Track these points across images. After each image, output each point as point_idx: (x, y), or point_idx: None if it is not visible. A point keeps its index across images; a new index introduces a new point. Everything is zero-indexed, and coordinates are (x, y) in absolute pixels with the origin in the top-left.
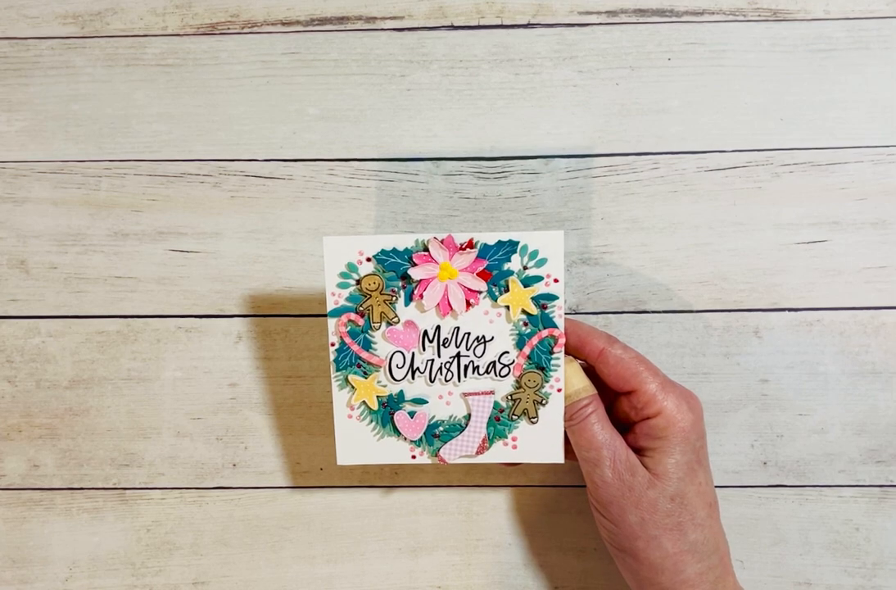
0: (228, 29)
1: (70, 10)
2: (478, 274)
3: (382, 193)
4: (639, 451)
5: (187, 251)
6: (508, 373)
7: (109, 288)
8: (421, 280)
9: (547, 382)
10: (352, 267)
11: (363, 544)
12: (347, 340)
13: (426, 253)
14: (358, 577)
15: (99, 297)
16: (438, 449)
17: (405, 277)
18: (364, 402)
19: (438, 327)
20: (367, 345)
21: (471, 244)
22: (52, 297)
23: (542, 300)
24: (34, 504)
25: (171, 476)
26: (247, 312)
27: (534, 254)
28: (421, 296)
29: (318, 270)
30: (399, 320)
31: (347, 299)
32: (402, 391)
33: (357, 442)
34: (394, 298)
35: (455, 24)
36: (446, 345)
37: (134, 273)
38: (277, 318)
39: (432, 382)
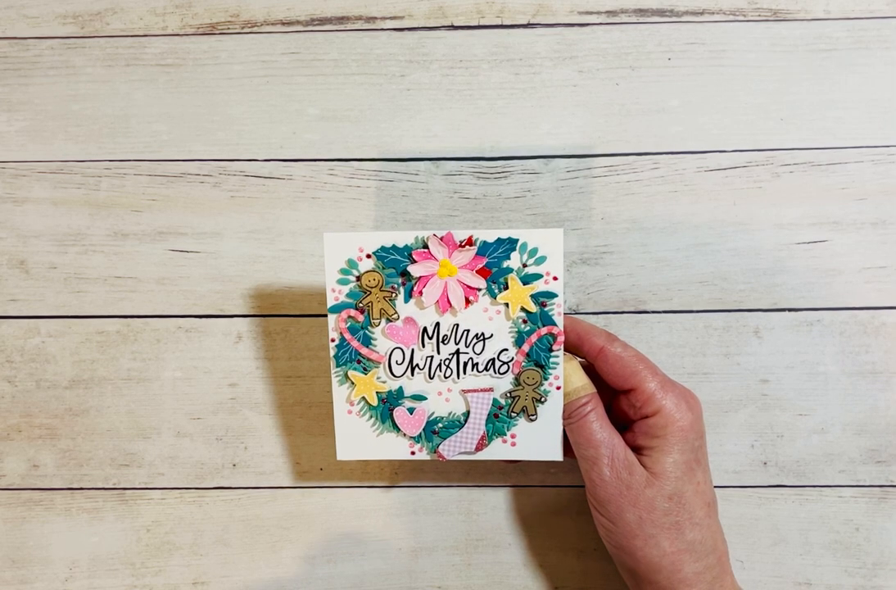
0: (228, 29)
1: (70, 10)
2: (477, 271)
3: (382, 193)
4: (637, 449)
5: (187, 251)
6: (507, 370)
7: (109, 288)
8: (420, 277)
9: (546, 379)
10: (352, 263)
11: (363, 544)
12: (347, 336)
13: (426, 250)
14: (358, 577)
15: (99, 297)
16: (437, 445)
17: (405, 274)
18: (364, 398)
19: (438, 324)
20: (367, 341)
21: (470, 241)
22: (52, 297)
23: (542, 298)
24: (34, 504)
25: (171, 476)
26: (247, 312)
27: (533, 251)
28: (420, 293)
29: (318, 269)
30: (399, 317)
31: (347, 295)
32: (401, 387)
33: (356, 437)
34: (393, 294)
35: (455, 24)
36: (446, 342)
37: (134, 273)
38: (277, 318)
39: (431, 378)
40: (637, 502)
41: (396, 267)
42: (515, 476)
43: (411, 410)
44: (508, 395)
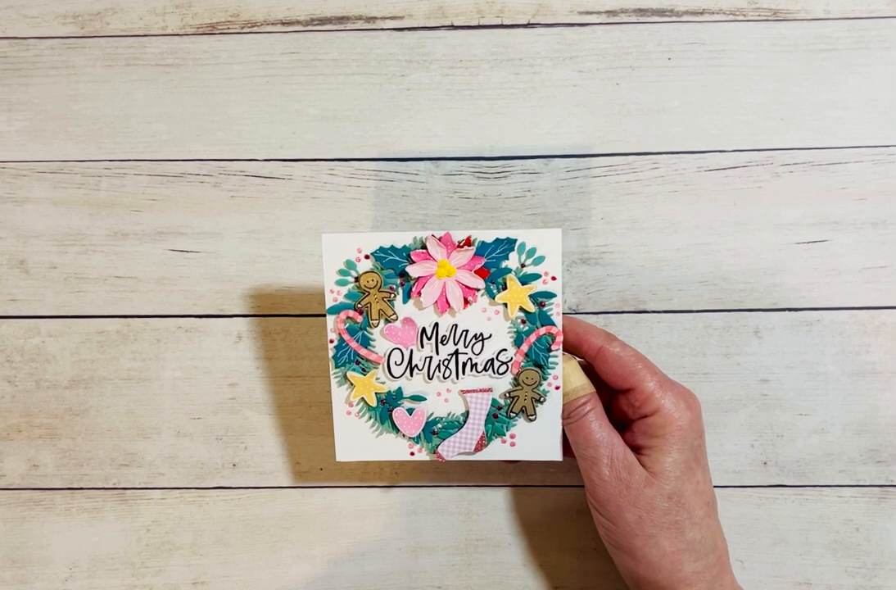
0: (228, 29)
1: (70, 10)
2: (476, 271)
3: (382, 193)
4: (637, 449)
5: (187, 251)
6: (506, 370)
7: (109, 288)
8: (419, 277)
9: (545, 379)
10: (350, 264)
11: (363, 544)
12: (346, 336)
13: (424, 250)
14: (358, 577)
15: (99, 297)
16: (437, 446)
17: (403, 275)
18: (363, 398)
19: (437, 325)
20: (366, 342)
21: (469, 242)
22: (52, 297)
23: (540, 298)
24: (34, 504)
25: (171, 476)
26: (247, 312)
27: (532, 251)
28: (419, 293)
29: (317, 269)
30: (397, 318)
31: (346, 296)
32: (400, 388)
33: (356, 438)
34: (392, 295)
35: (455, 24)
36: (444, 342)
37: (134, 273)
38: (277, 318)
39: (430, 379)
40: (636, 501)
41: (395, 268)
42: (515, 476)
43: (410, 411)
44: (507, 395)
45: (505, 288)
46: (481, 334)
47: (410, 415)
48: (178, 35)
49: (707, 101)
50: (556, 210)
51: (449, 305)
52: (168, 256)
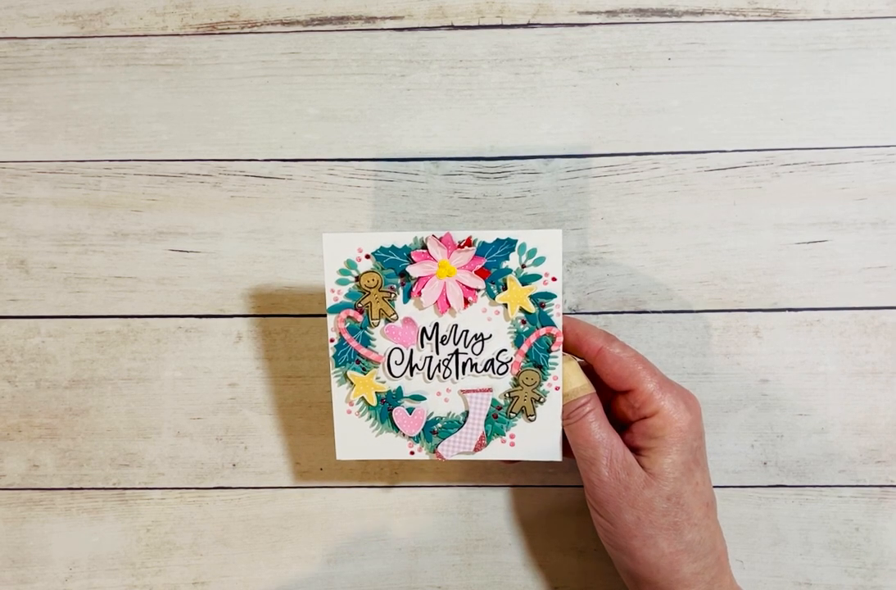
0: (228, 29)
1: (70, 10)
2: (476, 272)
3: (382, 193)
4: (636, 450)
5: (187, 251)
6: (506, 371)
7: (109, 288)
8: (419, 277)
9: (545, 380)
10: (351, 264)
11: (363, 544)
12: (346, 336)
13: (425, 251)
14: (358, 577)
15: (99, 297)
16: (437, 445)
17: (404, 275)
18: (363, 398)
19: (437, 325)
20: (366, 341)
21: (469, 242)
22: (52, 297)
23: (541, 299)
24: (34, 504)
25: (171, 476)
26: (247, 312)
27: (532, 252)
28: (419, 293)
29: (318, 269)
30: (398, 317)
31: (346, 296)
32: (400, 388)
33: (356, 437)
34: (392, 295)
35: (455, 24)
36: (445, 342)
37: (134, 273)
38: (277, 318)
39: (430, 379)
40: (635, 502)
41: (395, 267)
42: (515, 476)
43: (410, 411)
44: (507, 395)
45: (505, 288)
46: (481, 335)
47: (410, 414)
48: (178, 35)
49: (707, 101)
50: (556, 210)
51: (449, 306)
52: (168, 256)
